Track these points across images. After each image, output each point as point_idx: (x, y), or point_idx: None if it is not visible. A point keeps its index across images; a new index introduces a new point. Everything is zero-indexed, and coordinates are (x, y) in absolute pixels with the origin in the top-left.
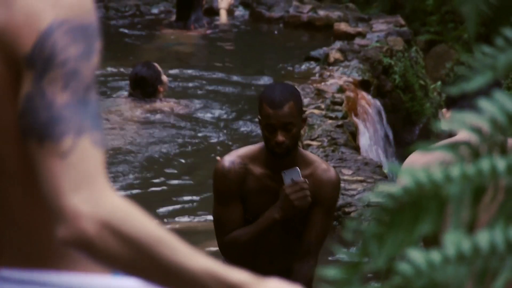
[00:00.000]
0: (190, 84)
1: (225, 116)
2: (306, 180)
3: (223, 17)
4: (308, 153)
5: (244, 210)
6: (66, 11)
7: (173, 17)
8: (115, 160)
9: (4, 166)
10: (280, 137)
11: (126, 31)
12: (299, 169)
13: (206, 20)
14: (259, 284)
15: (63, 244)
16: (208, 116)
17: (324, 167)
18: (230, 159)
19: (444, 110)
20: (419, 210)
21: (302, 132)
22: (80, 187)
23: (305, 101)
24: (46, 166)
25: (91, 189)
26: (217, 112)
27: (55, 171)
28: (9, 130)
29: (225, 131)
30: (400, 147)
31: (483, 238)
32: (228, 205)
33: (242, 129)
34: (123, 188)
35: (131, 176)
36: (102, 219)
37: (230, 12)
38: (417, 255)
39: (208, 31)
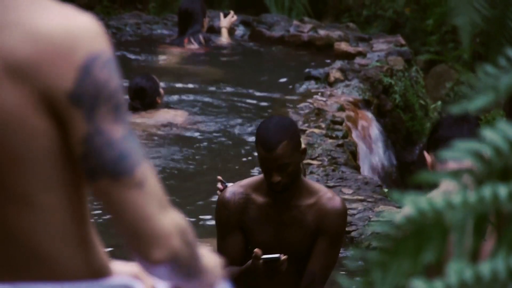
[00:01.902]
0: (186, 99)
1: (224, 131)
2: (285, 260)
3: (224, 36)
4: (312, 182)
5: (248, 240)
6: (96, 45)
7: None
8: None
9: (26, 194)
10: (276, 178)
11: (125, 49)
12: (281, 257)
13: (203, 35)
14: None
15: (157, 265)
16: (208, 129)
17: (329, 196)
18: (232, 189)
19: (425, 153)
20: (422, 238)
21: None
22: (163, 208)
23: (306, 120)
24: (126, 199)
25: (168, 208)
26: (216, 127)
27: (138, 201)
28: (27, 160)
29: (224, 145)
30: (400, 167)
31: (485, 266)
32: (228, 235)
33: (239, 145)
34: None
35: None
36: (180, 233)
37: (231, 31)
38: (420, 284)
39: (206, 49)
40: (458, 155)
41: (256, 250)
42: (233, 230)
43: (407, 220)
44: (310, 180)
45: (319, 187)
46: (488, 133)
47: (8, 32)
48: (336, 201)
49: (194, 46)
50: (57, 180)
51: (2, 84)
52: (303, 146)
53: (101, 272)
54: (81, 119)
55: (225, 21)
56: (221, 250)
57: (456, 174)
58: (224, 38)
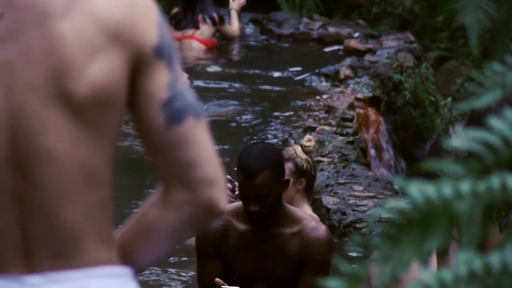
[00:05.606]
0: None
1: (232, 129)
2: None
3: (234, 19)
4: (297, 210)
5: (229, 269)
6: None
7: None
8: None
9: (79, 171)
10: (252, 207)
11: None
12: None
13: (217, 12)
14: None
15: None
16: (213, 127)
17: (313, 225)
18: None
19: None
20: (428, 226)
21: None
22: None
23: (316, 117)
24: (205, 140)
25: None
26: (223, 126)
27: (211, 145)
28: (110, 138)
29: (232, 143)
30: (411, 164)
31: (494, 257)
32: (205, 263)
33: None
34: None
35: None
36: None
37: (241, 29)
38: (428, 275)
39: (214, 42)
40: (466, 144)
41: (216, 279)
42: (210, 258)
43: (413, 207)
44: (294, 208)
45: (303, 215)
46: (495, 122)
47: None
48: (320, 230)
49: (209, 25)
50: (112, 156)
51: (108, 52)
52: (286, 177)
53: (116, 259)
54: (164, 68)
55: (235, 3)
56: (199, 274)
57: (464, 163)
58: (233, 24)
